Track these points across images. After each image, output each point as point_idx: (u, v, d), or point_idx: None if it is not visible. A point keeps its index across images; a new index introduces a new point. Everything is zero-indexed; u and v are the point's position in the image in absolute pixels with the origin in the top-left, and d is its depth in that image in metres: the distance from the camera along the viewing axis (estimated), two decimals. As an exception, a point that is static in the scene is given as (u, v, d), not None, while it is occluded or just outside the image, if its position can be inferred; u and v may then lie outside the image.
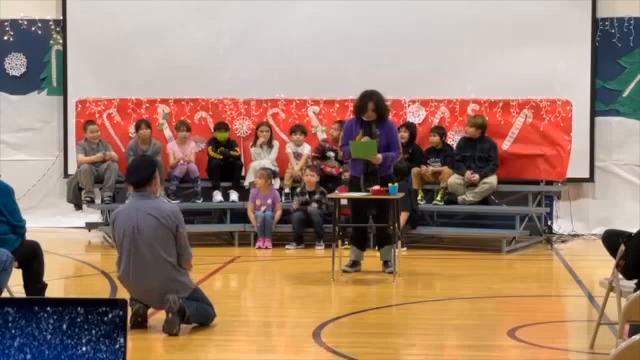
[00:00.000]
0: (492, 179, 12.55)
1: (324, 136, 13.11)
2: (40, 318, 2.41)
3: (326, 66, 13.51)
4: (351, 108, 11.46)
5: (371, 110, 9.87)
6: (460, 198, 12.53)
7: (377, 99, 9.90)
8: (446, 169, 12.67)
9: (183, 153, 13.08)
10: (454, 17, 13.43)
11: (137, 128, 13.03)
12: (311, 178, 12.41)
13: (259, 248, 12.20)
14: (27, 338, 2.39)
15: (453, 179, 12.53)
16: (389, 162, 9.99)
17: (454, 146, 12.89)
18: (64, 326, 2.40)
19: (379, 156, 9.78)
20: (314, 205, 12.28)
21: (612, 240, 6.66)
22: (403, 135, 12.34)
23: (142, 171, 7.33)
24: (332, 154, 12.77)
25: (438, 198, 12.68)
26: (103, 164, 12.90)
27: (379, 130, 9.89)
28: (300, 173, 12.76)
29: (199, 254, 9.74)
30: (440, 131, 12.91)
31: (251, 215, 12.46)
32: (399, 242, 10.52)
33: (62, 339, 2.40)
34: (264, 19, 13.76)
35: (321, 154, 12.86)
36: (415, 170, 12.61)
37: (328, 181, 12.58)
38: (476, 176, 12.39)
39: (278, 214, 12.47)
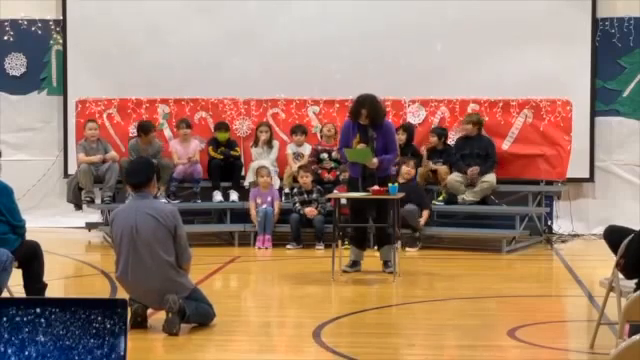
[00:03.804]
0: (491, 177, 12.55)
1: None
2: (40, 318, 2.41)
3: (326, 66, 13.50)
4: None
5: (364, 116, 9.88)
6: (460, 198, 12.53)
7: (370, 105, 9.88)
8: (443, 168, 12.65)
9: (186, 151, 13.07)
10: (454, 17, 13.43)
11: (141, 131, 12.84)
12: (305, 179, 12.42)
13: (259, 248, 12.21)
14: (27, 338, 2.39)
15: (452, 177, 12.53)
16: (386, 164, 9.99)
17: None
18: (64, 326, 2.40)
19: (375, 161, 9.78)
20: (314, 210, 12.25)
21: (614, 236, 6.64)
22: (400, 138, 12.32)
23: (140, 173, 7.35)
24: (326, 155, 12.77)
25: (440, 198, 12.68)
26: (104, 164, 12.91)
27: (376, 132, 9.89)
28: (297, 173, 12.73)
29: (199, 254, 9.74)
30: (440, 132, 12.90)
31: (253, 212, 12.45)
32: (416, 241, 10.73)
33: (62, 339, 2.40)
34: (264, 19, 13.76)
35: (317, 158, 12.86)
36: (419, 170, 12.63)
37: (326, 183, 12.59)
38: (477, 169, 12.37)
39: (277, 210, 12.47)
